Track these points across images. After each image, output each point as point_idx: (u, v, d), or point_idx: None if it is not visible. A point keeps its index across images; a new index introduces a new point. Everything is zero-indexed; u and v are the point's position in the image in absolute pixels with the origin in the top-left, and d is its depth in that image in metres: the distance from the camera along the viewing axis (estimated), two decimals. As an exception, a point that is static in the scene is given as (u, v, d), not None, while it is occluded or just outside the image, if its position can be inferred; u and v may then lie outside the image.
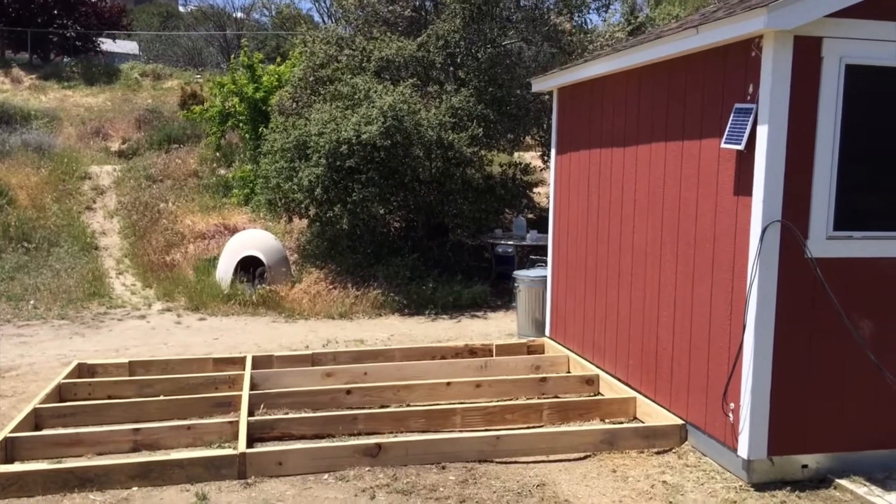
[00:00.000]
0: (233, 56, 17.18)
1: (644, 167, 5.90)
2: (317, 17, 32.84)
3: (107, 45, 30.59)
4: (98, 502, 4.51)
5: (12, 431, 5.26)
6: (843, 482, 4.67)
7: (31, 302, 10.55)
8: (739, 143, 4.59)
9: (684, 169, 5.33)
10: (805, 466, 4.78)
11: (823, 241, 4.62)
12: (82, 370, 6.97)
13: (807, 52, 4.46)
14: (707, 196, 5.07)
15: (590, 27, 13.89)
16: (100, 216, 15.07)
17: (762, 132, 4.49)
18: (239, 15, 36.73)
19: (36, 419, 5.73)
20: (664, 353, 5.65)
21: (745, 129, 4.56)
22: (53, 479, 4.63)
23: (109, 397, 6.40)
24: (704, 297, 5.12)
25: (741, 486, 4.72)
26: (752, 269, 4.58)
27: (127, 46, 33.66)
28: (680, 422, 5.39)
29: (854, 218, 4.65)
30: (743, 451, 4.72)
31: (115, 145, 19.63)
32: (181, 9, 42.80)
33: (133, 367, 7.06)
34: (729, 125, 4.71)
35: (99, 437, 5.31)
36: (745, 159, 4.66)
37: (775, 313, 4.60)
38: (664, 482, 4.82)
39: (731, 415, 4.83)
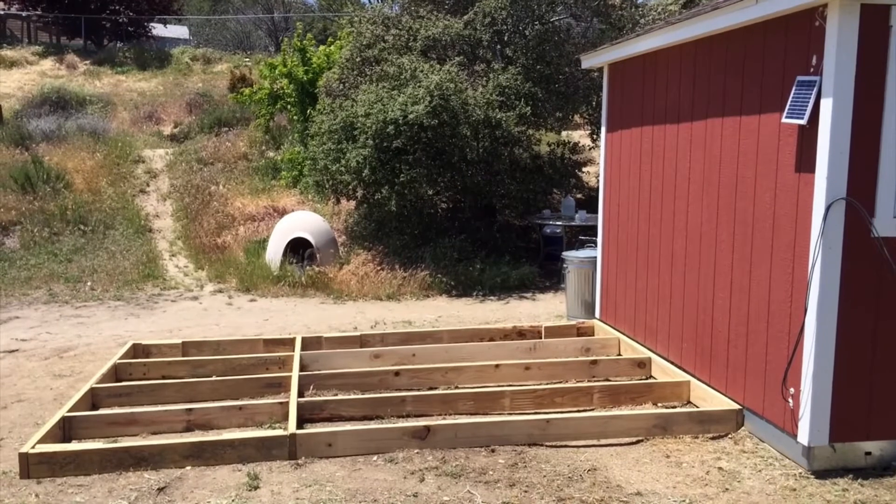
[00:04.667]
0: (284, 39, 17.26)
1: (699, 144, 5.71)
2: (363, -2, 32.80)
3: (158, 30, 31.09)
4: (153, 481, 4.58)
5: (70, 411, 5.38)
6: (909, 470, 4.49)
7: (88, 283, 10.81)
8: (802, 118, 4.39)
9: (742, 145, 5.14)
10: (868, 454, 4.60)
11: (891, 220, 4.41)
12: (137, 350, 7.10)
13: (874, 21, 4.23)
14: (766, 173, 4.88)
15: (641, 0, 13.56)
16: (153, 199, 15.35)
17: (826, 105, 4.29)
18: (287, -3, 36.91)
19: (93, 398, 5.86)
20: (720, 335, 5.49)
21: (808, 102, 4.36)
22: (109, 458, 4.72)
23: (163, 377, 6.52)
24: (763, 279, 4.94)
25: (801, 473, 4.57)
26: (815, 250, 4.40)
27: (177, 31, 34.16)
28: (736, 406, 5.24)
29: (924, 195, 4.43)
30: (803, 437, 4.56)
31: (167, 129, 19.96)
32: (230, -8, 43.16)
33: (186, 347, 7.16)
34: (791, 99, 4.51)
35: (153, 416, 5.40)
36: (807, 134, 4.46)
37: (839, 295, 4.42)
38: (720, 468, 4.69)
39: (790, 400, 4.67)
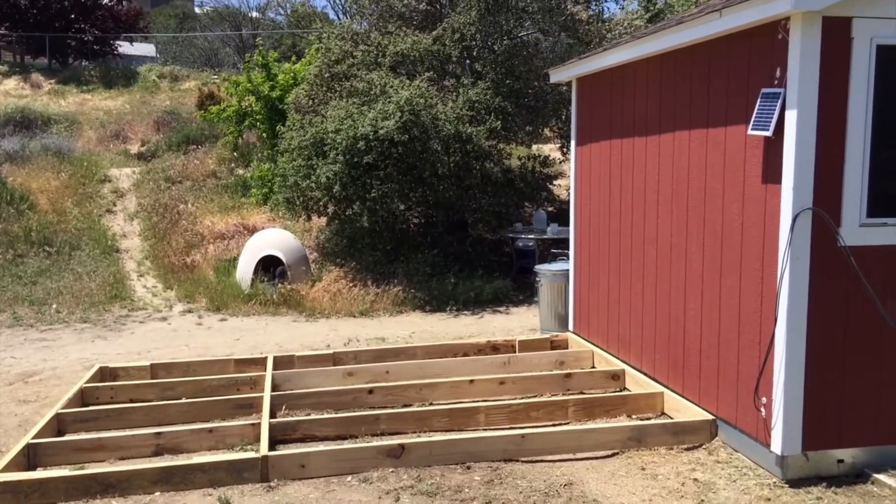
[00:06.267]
0: (248, 55, 17.17)
1: (667, 156, 5.76)
2: (332, 15, 32.82)
3: (124, 48, 30.73)
4: (120, 508, 4.47)
5: (35, 437, 5.24)
6: (880, 477, 4.52)
7: (54, 306, 10.59)
8: (767, 129, 4.45)
9: (709, 157, 5.18)
10: (841, 461, 4.64)
11: (856, 229, 4.47)
12: (104, 374, 6.96)
13: (836, 33, 4.31)
14: (734, 185, 4.92)
15: (607, 15, 13.72)
16: (120, 219, 15.14)
17: (791, 117, 4.35)
18: (254, 14, 36.80)
19: (58, 424, 5.72)
20: (692, 346, 5.52)
21: (773, 114, 4.41)
22: (76, 486, 4.60)
23: (132, 400, 6.39)
24: (733, 289, 4.98)
25: (775, 482, 4.59)
26: (783, 259, 4.44)
27: (144, 49, 33.84)
28: (710, 417, 5.26)
29: (888, 204, 4.49)
30: (776, 446, 4.58)
31: (134, 148, 19.72)
32: (197, 10, 42.96)
33: (155, 369, 7.03)
34: (756, 111, 4.56)
35: (121, 441, 5.28)
36: (773, 146, 4.52)
37: (807, 304, 4.46)
38: (695, 479, 4.70)
39: (763, 409, 4.69)
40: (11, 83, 24.99)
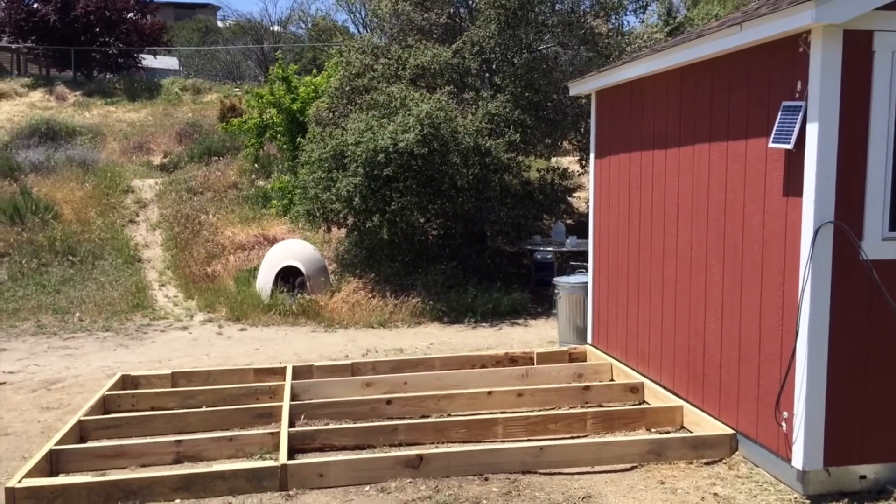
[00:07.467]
0: (270, 68, 17.35)
1: (687, 169, 5.75)
2: (352, 28, 33.00)
3: (148, 61, 31.14)
4: (141, 515, 4.51)
5: (57, 444, 5.31)
6: (904, 493, 4.47)
7: (77, 314, 10.72)
8: (788, 142, 4.44)
9: (730, 170, 5.17)
10: (863, 477, 4.59)
11: (879, 243, 4.44)
12: (126, 382, 7.03)
13: (857, 47, 4.30)
14: (754, 197, 4.91)
15: (627, 29, 13.72)
16: (142, 229, 15.31)
17: (812, 130, 4.33)
18: (276, 28, 37.12)
19: (81, 431, 5.79)
20: (712, 359, 5.49)
21: (794, 127, 4.40)
22: (97, 492, 4.65)
23: (153, 408, 6.45)
24: (753, 302, 4.95)
25: (796, 498, 4.54)
26: (805, 273, 4.42)
27: (167, 62, 34.26)
28: (730, 431, 5.22)
29: (911, 218, 4.46)
30: (798, 461, 4.54)
31: (156, 159, 19.96)
32: (220, 24, 43.44)
33: (175, 378, 7.10)
34: (777, 124, 4.55)
35: (142, 448, 5.34)
36: (794, 159, 4.50)
37: (829, 318, 4.43)
38: (715, 494, 4.66)
39: (784, 424, 4.66)
40: (37, 95, 25.41)
